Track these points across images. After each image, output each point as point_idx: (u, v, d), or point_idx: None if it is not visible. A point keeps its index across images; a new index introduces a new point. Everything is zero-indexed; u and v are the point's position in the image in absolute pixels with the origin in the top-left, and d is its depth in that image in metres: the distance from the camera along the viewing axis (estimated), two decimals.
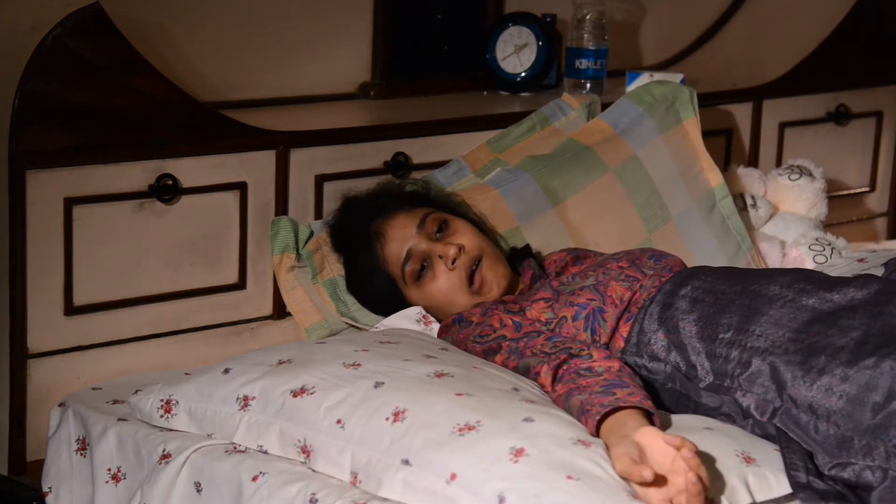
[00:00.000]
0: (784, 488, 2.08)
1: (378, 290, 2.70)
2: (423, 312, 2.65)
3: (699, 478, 1.95)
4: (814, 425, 2.14)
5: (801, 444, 2.14)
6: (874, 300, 2.26)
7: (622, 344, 2.40)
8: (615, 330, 2.42)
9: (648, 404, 2.13)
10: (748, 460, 2.10)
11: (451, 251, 2.61)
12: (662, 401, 2.34)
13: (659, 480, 1.97)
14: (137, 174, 2.61)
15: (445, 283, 2.62)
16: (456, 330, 2.53)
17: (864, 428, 2.10)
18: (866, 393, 2.12)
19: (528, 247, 2.84)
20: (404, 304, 2.68)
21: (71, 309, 2.56)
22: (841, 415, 2.13)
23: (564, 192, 2.95)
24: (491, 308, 2.53)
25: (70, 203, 2.53)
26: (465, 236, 2.65)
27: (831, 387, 2.15)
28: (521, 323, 2.44)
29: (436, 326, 2.61)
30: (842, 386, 2.14)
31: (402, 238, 2.65)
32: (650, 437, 2.02)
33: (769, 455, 2.14)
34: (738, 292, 2.35)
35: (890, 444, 2.07)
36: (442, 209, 2.73)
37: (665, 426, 2.20)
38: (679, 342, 2.33)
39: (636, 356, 2.37)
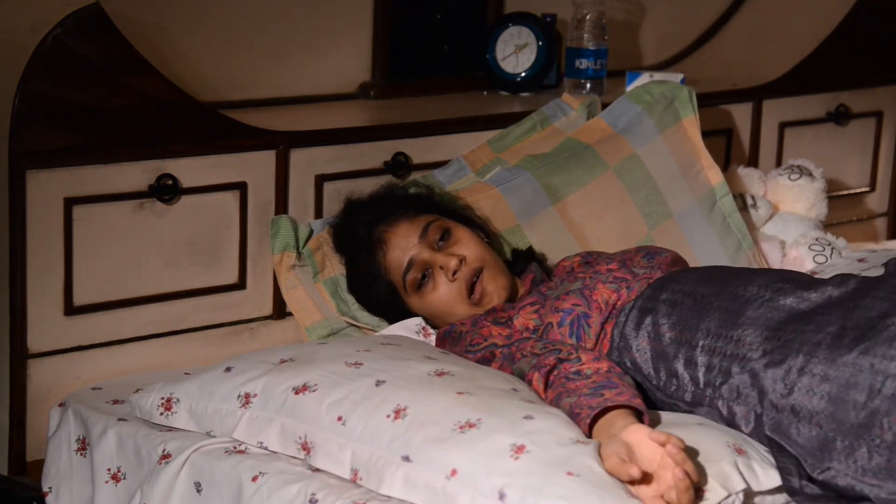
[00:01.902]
0: (771, 482, 2.10)
1: (379, 295, 2.70)
2: (423, 325, 2.65)
3: (686, 472, 1.96)
4: (796, 428, 2.14)
5: (790, 451, 2.14)
6: (851, 296, 2.26)
7: (608, 348, 2.40)
8: (600, 335, 2.42)
9: (637, 402, 2.14)
10: (739, 451, 2.11)
11: (452, 262, 2.61)
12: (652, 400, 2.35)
13: (649, 477, 1.98)
14: (137, 174, 2.61)
15: (446, 294, 2.62)
16: (451, 343, 2.53)
17: (847, 427, 2.10)
18: (847, 391, 2.12)
19: (530, 249, 2.84)
20: (405, 310, 2.68)
21: (71, 309, 2.56)
22: (823, 415, 2.13)
23: (565, 190, 2.96)
24: (480, 319, 2.54)
25: (70, 203, 2.53)
26: (467, 247, 2.65)
27: (812, 387, 2.15)
28: (510, 335, 2.45)
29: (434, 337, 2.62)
30: (822, 386, 2.14)
31: (404, 246, 2.64)
32: (637, 435, 2.02)
33: (760, 450, 2.16)
34: (715, 294, 2.35)
35: (873, 443, 2.07)
36: (446, 215, 2.72)
37: (656, 423, 2.20)
38: (661, 350, 2.33)
39: (619, 364, 2.36)
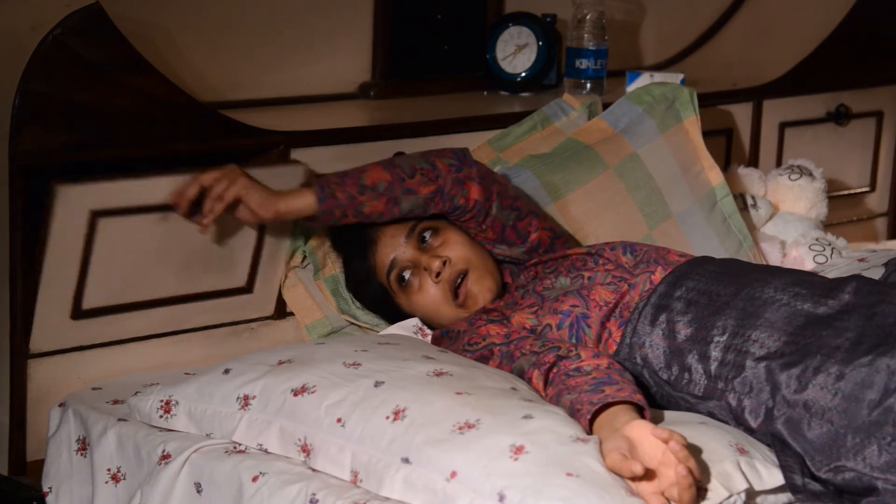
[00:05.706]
0: (774, 481, 2.10)
1: (372, 296, 2.70)
2: (420, 325, 2.65)
3: (689, 470, 1.96)
4: (807, 423, 2.15)
5: (795, 448, 2.14)
6: (867, 302, 2.27)
7: (614, 347, 2.40)
8: (601, 334, 2.42)
9: (638, 398, 2.14)
10: (742, 451, 2.11)
11: (435, 264, 2.60)
12: (654, 398, 2.35)
13: (651, 474, 1.98)
14: None
15: (431, 296, 2.61)
16: (448, 343, 2.53)
17: (859, 425, 2.10)
18: (862, 390, 2.12)
19: None
20: (398, 309, 2.68)
21: (79, 313, 2.55)
22: (836, 411, 2.13)
23: (565, 188, 2.96)
24: (475, 318, 2.54)
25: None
26: (453, 248, 2.63)
27: (826, 385, 2.16)
28: (509, 333, 2.45)
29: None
30: (837, 384, 2.15)
31: (391, 246, 2.64)
32: (639, 431, 2.02)
33: (762, 450, 2.16)
34: (732, 294, 2.35)
35: (884, 441, 2.07)
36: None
37: (657, 420, 2.21)
38: (676, 346, 2.33)
39: (628, 360, 2.37)
